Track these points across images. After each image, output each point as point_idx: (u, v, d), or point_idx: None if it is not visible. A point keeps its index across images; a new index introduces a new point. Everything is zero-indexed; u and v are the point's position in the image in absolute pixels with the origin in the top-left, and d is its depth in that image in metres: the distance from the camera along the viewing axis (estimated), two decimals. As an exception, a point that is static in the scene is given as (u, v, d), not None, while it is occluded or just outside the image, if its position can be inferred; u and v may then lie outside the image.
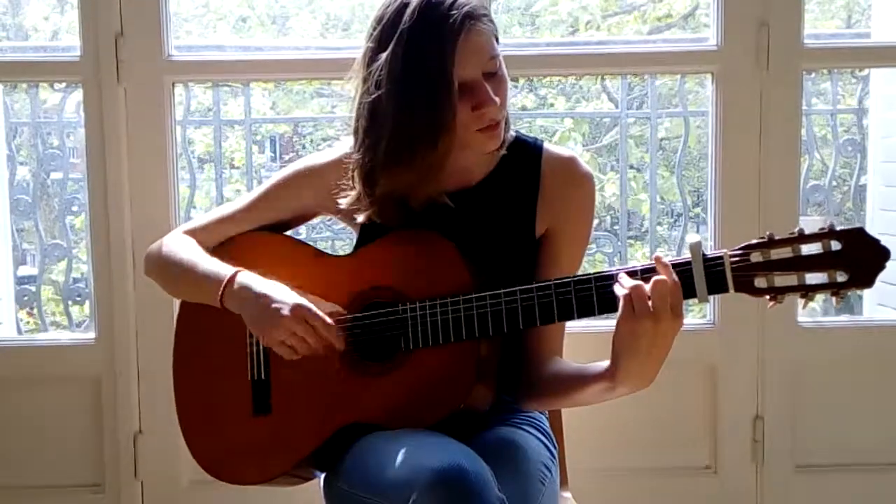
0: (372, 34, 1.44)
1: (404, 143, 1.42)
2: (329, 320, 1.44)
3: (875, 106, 4.00)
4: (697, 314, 2.39)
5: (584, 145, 4.88)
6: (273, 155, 5.41)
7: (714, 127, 2.29)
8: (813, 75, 2.78)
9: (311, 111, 4.85)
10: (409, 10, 1.39)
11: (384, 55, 1.40)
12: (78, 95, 2.33)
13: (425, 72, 1.38)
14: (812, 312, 3.93)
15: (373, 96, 1.42)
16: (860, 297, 4.13)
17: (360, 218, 1.52)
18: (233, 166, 4.24)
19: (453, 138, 1.42)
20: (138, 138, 2.24)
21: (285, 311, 1.42)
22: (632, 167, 4.35)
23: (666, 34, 5.45)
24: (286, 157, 5.23)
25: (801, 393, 2.34)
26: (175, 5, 2.31)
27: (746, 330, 2.31)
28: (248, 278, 1.49)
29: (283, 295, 1.45)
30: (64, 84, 2.42)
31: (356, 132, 1.48)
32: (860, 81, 2.65)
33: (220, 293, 1.49)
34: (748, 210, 2.28)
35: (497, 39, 1.47)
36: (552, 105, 5.16)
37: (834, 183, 2.60)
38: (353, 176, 1.50)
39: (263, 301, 1.45)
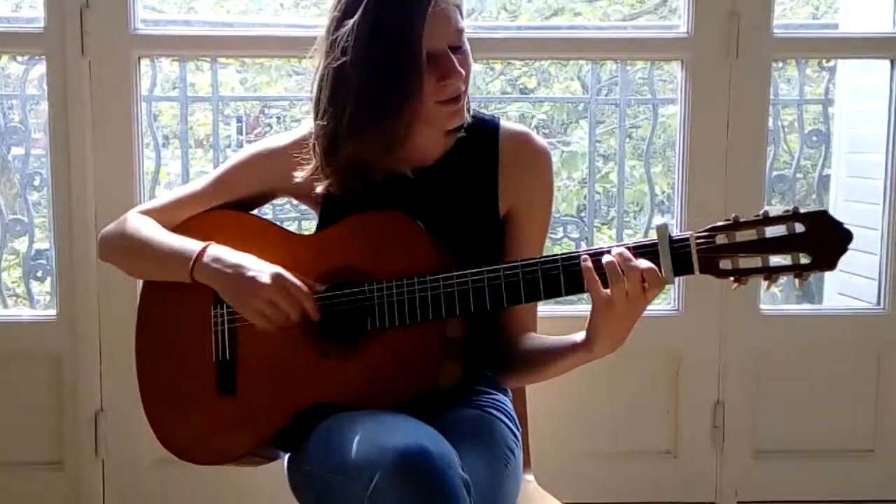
0: (337, 4, 1.45)
1: (370, 110, 1.42)
2: (306, 289, 1.44)
3: (841, 97, 4.04)
4: (662, 301, 2.41)
5: (549, 131, 4.87)
6: (239, 132, 5.33)
7: (683, 114, 2.31)
8: (781, 65, 2.79)
9: (281, 89, 4.79)
10: None
11: (351, 21, 1.41)
12: (41, 68, 2.29)
13: (394, 38, 1.39)
14: (773, 298, 3.98)
15: (338, 63, 1.42)
16: (821, 286, 4.19)
17: (319, 188, 1.51)
18: (199, 143, 4.18)
19: (419, 108, 1.43)
20: (103, 113, 2.22)
21: (264, 279, 1.43)
22: (601, 155, 4.36)
23: (638, 21, 5.45)
24: (252, 135, 5.16)
25: (761, 379, 2.37)
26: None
27: (709, 317, 2.33)
28: (220, 250, 1.50)
29: (259, 264, 1.46)
30: (27, 56, 2.38)
31: (317, 102, 1.48)
32: (827, 72, 2.67)
33: (190, 266, 1.49)
34: (714, 198, 2.29)
35: (461, 14, 1.47)
36: (523, 89, 5.14)
37: (799, 173, 2.62)
38: (313, 146, 1.50)
39: (239, 270, 1.46)
